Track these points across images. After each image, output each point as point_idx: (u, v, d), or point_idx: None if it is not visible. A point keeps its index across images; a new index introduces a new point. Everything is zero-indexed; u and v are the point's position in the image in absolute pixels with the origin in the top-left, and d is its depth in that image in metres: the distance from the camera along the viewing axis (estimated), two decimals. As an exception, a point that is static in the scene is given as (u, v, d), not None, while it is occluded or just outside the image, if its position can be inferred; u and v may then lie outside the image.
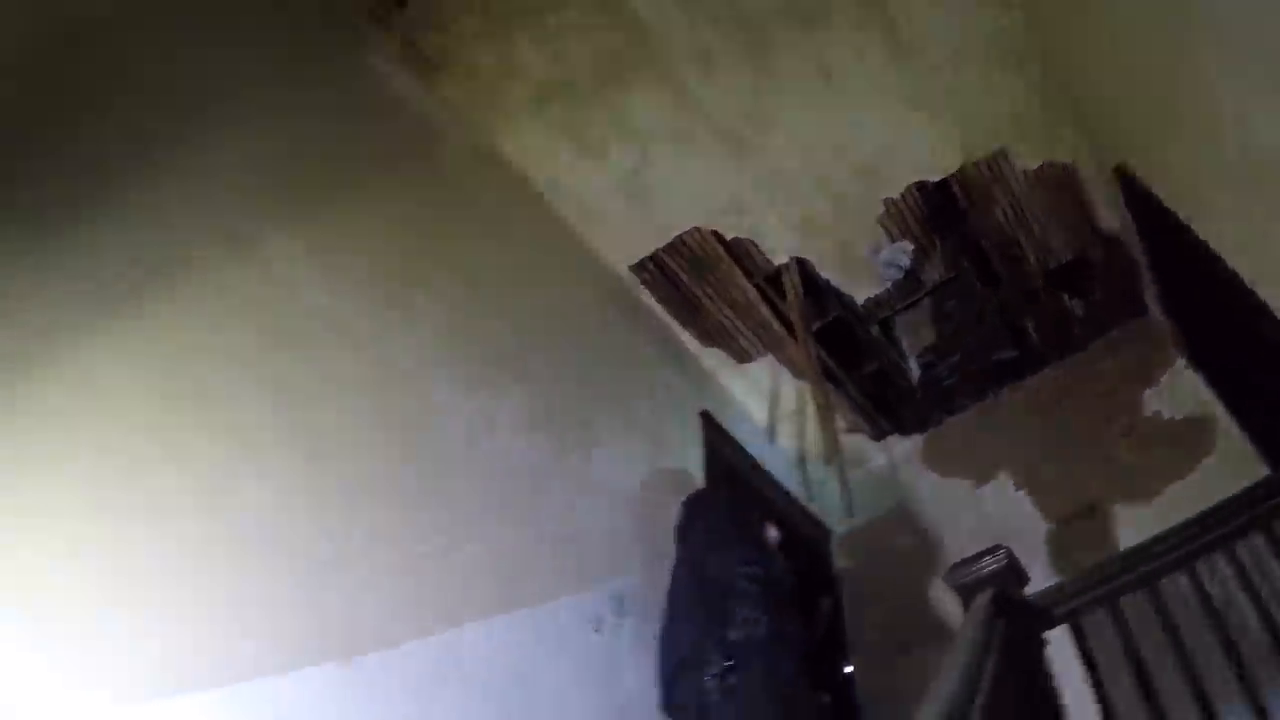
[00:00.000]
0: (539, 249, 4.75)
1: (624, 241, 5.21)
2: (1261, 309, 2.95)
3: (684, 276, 5.38)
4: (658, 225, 5.16)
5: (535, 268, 4.55)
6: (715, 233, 5.19)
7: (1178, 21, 2.52)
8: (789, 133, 4.87)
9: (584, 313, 4.81)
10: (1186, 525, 3.07)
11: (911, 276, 5.53)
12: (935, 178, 5.07)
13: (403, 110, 4.15)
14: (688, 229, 5.16)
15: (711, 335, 5.73)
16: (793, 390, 6.02)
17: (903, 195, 5.17)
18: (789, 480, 5.89)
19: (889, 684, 4.73)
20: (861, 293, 5.66)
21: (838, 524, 6.03)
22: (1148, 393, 5.32)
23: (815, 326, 5.50)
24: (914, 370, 6.02)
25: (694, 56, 4.55)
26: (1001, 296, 5.68)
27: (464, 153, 4.49)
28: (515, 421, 3.56)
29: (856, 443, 6.31)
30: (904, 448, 6.36)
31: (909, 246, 5.41)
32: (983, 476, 5.66)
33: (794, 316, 5.31)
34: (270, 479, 2.43)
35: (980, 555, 2.95)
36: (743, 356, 5.87)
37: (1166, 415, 5.13)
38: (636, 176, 4.94)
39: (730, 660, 2.91)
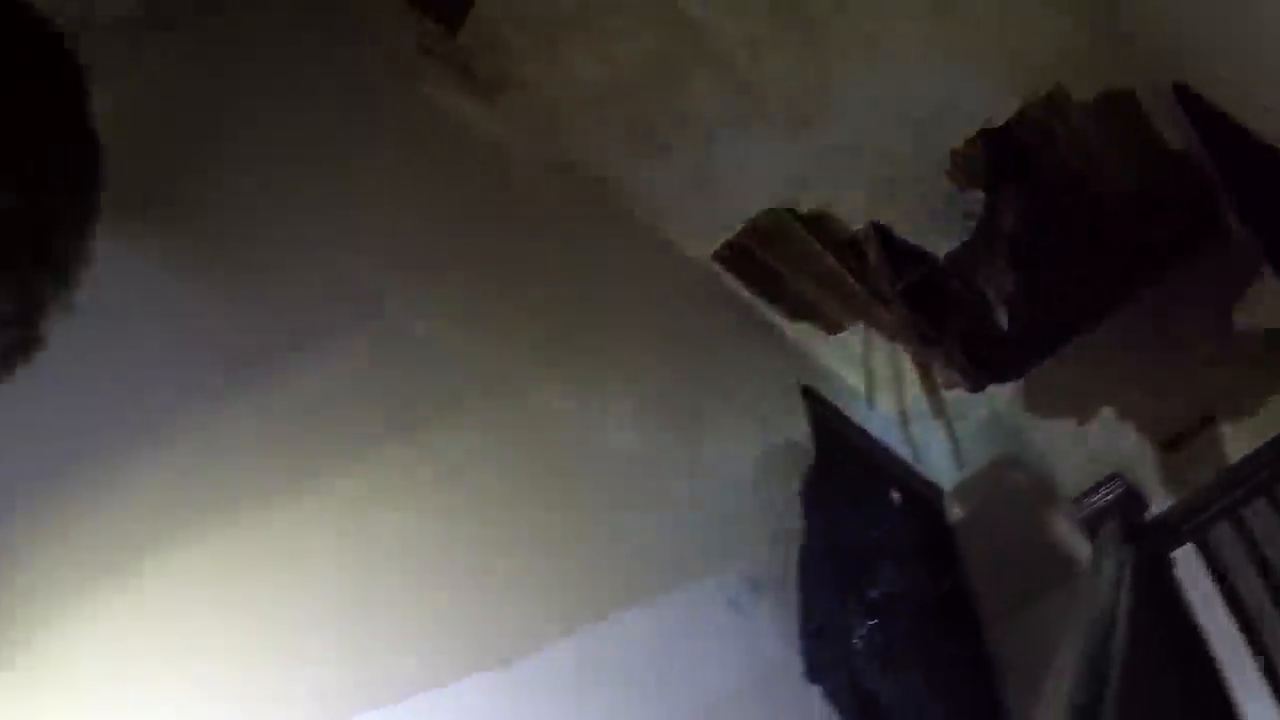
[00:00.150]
0: (621, 252, 4.90)
1: (701, 231, 5.31)
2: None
3: (764, 257, 5.45)
4: (730, 211, 5.26)
5: (621, 270, 4.70)
6: (789, 210, 5.26)
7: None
8: (844, 102, 4.92)
9: (674, 306, 4.95)
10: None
11: (987, 225, 5.55)
12: (995, 124, 5.08)
13: (466, 135, 4.27)
14: (761, 211, 5.24)
15: (799, 310, 5.79)
16: (886, 354, 6.08)
17: (965, 146, 5.19)
18: (894, 442, 5.96)
19: (1018, 629, 4.78)
20: (940, 248, 5.67)
21: (947, 479, 6.08)
22: (1238, 308, 5.29)
23: (900, 287, 5.54)
24: (1002, 318, 6.02)
25: (742, 43, 4.63)
26: (1077, 233, 5.66)
27: (535, 167, 4.63)
28: (626, 419, 3.73)
29: (956, 397, 6.32)
30: (1003, 395, 6.33)
31: (980, 195, 5.43)
32: (1085, 413, 5.65)
33: (879, 281, 5.37)
34: (407, 495, 2.64)
35: (1098, 486, 3.04)
36: (833, 327, 5.92)
37: (1260, 328, 5.10)
38: (702, 167, 5.04)
39: (874, 619, 3.02)
